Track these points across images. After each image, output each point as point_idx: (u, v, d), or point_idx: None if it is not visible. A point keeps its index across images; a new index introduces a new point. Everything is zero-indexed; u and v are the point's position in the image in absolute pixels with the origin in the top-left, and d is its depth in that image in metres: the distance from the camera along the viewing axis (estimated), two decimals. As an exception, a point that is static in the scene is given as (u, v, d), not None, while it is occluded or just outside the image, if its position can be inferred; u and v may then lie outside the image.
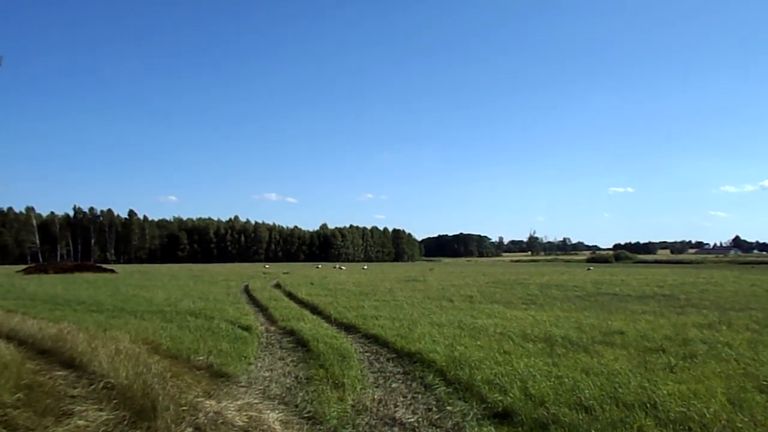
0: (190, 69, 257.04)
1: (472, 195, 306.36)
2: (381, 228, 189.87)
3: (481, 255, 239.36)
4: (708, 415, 5.82)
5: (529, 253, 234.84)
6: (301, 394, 7.25)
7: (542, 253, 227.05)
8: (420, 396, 7.27)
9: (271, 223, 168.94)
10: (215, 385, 7.53)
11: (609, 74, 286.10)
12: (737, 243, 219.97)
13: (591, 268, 64.35)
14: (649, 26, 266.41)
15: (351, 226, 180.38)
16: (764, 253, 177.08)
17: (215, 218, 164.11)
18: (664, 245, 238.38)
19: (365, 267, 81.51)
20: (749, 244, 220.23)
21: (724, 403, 6.26)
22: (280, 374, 8.60)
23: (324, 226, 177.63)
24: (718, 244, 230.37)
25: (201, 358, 9.04)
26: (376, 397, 7.19)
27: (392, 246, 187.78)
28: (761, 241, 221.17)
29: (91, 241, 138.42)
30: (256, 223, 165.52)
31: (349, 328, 13.28)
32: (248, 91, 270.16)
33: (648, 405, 6.23)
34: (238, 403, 6.53)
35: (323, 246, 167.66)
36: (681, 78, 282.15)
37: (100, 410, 5.81)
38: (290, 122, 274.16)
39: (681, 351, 9.61)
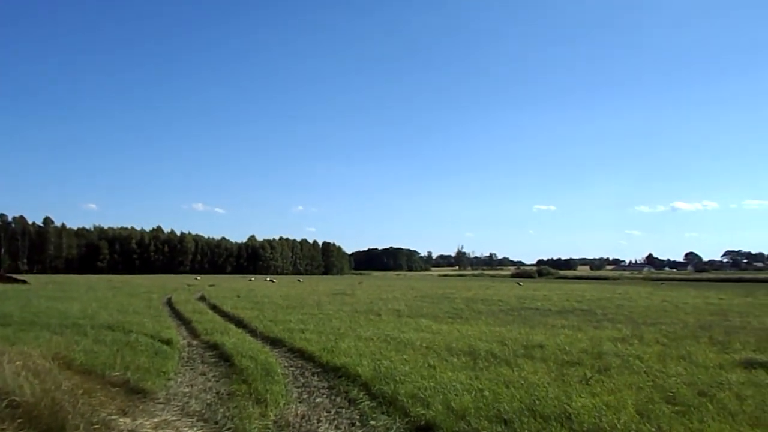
0: (114, 69, 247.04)
1: (402, 210, 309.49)
2: (311, 241, 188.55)
3: (410, 269, 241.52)
4: (619, 426, 6.06)
5: (457, 267, 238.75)
6: (221, 410, 7.06)
7: (469, 268, 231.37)
8: (344, 411, 7.22)
9: (197, 234, 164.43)
10: (131, 402, 7.22)
11: (535, 96, 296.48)
12: (650, 260, 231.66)
13: (521, 283, 66.01)
14: (570, 49, 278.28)
15: (281, 238, 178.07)
16: (674, 270, 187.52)
17: (138, 228, 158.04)
18: (584, 261, 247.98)
19: (300, 280, 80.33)
20: (661, 261, 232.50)
21: (634, 415, 6.54)
22: (200, 390, 8.35)
23: (252, 238, 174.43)
24: (634, 261, 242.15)
25: (117, 373, 8.63)
26: (299, 412, 7.09)
27: (322, 259, 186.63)
28: (672, 258, 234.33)
29: (0, 250, 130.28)
30: (182, 233, 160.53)
31: (274, 342, 13.08)
32: (175, 97, 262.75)
33: (563, 417, 6.42)
34: (155, 420, 6.30)
35: (251, 258, 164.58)
36: (601, 102, 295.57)
37: (2, 430, 5.45)
38: (220, 130, 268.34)
39: (596, 364, 9.99)
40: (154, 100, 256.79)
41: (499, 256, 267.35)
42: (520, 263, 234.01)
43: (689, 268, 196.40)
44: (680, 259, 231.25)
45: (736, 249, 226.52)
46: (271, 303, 25.01)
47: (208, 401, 7.62)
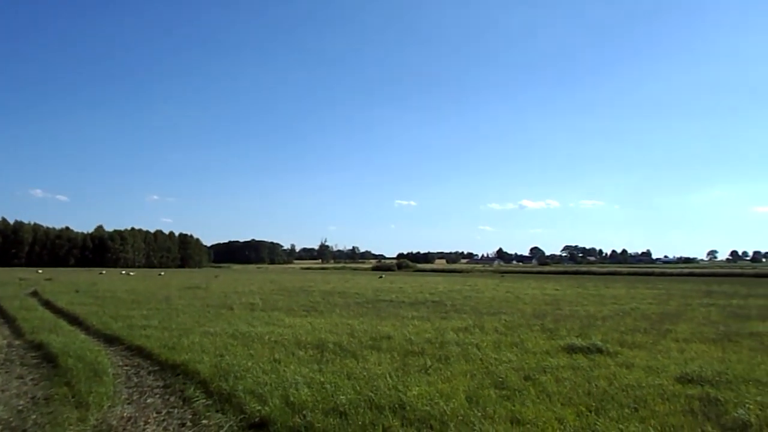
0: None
1: (266, 202, 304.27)
2: (167, 232, 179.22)
3: (272, 262, 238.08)
4: (448, 413, 6.32)
5: (320, 260, 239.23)
6: (34, 416, 6.44)
7: (332, 261, 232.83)
8: (176, 411, 6.89)
9: (36, 223, 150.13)
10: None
11: (399, 95, 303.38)
12: (500, 254, 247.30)
13: (383, 276, 67.38)
14: (429, 50, 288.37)
15: (132, 229, 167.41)
16: (521, 263, 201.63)
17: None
18: (441, 255, 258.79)
19: (162, 273, 75.69)
20: (510, 255, 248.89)
21: (464, 401, 6.86)
22: (12, 395, 7.56)
23: (100, 228, 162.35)
24: (485, 255, 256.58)
25: None
26: (125, 414, 6.65)
27: (178, 251, 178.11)
28: (519, 252, 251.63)
29: None
30: (17, 222, 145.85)
31: (111, 340, 12.25)
32: (15, 74, 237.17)
33: (398, 406, 6.59)
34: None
35: (98, 250, 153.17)
36: (459, 105, 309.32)
37: None
38: (63, 110, 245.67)
39: (437, 353, 10.39)
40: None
41: (362, 250, 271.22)
42: (382, 256, 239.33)
43: (533, 261, 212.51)
44: (526, 253, 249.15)
45: (574, 244, 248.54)
46: (114, 298, 23.44)
47: (20, 407, 6.91)
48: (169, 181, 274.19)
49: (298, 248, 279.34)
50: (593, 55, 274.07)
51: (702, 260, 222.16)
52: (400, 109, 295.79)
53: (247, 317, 16.62)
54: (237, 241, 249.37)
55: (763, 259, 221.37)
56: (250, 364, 9.03)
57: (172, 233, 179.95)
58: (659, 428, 5.85)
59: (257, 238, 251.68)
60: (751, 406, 6.52)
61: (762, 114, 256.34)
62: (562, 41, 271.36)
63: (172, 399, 7.45)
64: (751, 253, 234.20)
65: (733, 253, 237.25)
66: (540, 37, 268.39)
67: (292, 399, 6.88)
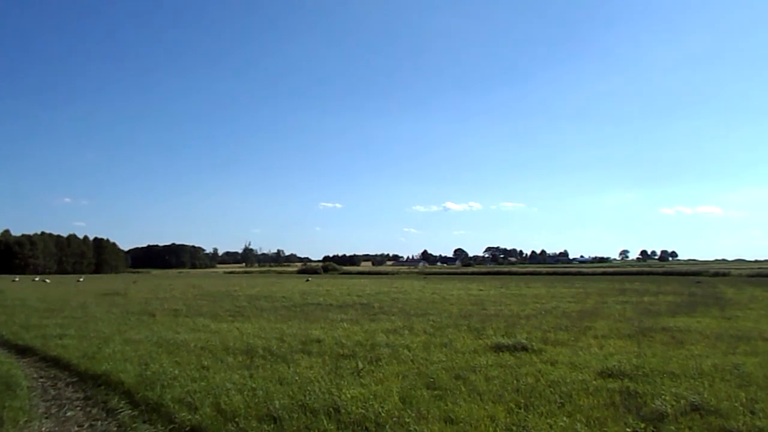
0: None
1: (186, 205, 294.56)
2: (81, 236, 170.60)
3: (194, 267, 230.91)
4: (383, 414, 6.36)
5: (244, 264, 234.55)
6: (-59, 436, 6.00)
7: (256, 264, 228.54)
8: (99, 423, 6.59)
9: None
10: None
11: (319, 98, 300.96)
12: (425, 256, 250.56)
13: (309, 279, 66.81)
14: (351, 56, 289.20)
15: (42, 233, 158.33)
16: (445, 265, 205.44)
17: None
18: (367, 257, 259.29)
19: (81, 279, 71.58)
20: (435, 257, 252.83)
21: (397, 402, 6.92)
22: None
23: (6, 233, 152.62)
24: (411, 257, 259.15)
25: None
26: (44, 430, 6.31)
27: (93, 256, 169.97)
28: (443, 254, 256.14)
29: None
30: None
31: (24, 351, 11.61)
32: None
33: (332, 410, 6.56)
34: None
35: (4, 256, 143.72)
36: (381, 108, 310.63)
37: None
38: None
39: (369, 355, 10.42)
40: None
41: (287, 253, 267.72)
42: (308, 259, 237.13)
43: (457, 262, 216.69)
44: (450, 254, 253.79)
45: (495, 245, 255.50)
46: (24, 306, 22.17)
47: (-75, 427, 6.42)
48: (82, 182, 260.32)
49: (221, 252, 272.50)
50: (513, 62, 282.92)
51: (615, 259, 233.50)
52: (324, 111, 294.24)
53: (170, 324, 16.10)
54: (156, 245, 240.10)
55: (670, 258, 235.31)
56: (177, 371, 8.76)
57: (86, 237, 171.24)
58: (585, 422, 6.10)
59: (178, 242, 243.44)
60: (667, 398, 6.92)
61: (668, 121, 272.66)
62: (482, 48, 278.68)
63: (94, 411, 7.11)
64: (659, 252, 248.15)
65: (643, 253, 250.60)
66: (460, 43, 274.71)
67: (223, 406, 6.73)
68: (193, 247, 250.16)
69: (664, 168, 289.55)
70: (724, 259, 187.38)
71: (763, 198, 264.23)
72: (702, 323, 15.57)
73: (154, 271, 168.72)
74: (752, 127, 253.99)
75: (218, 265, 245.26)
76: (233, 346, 11.47)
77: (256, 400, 6.99)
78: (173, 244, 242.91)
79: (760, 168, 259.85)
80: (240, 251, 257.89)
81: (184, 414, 6.49)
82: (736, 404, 6.68)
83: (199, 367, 9.34)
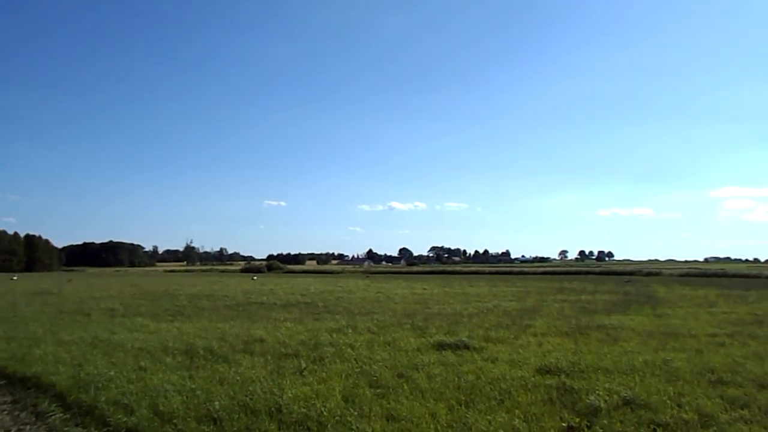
0: None
1: (125, 200, 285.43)
2: (11, 233, 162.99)
3: (132, 265, 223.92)
4: (325, 413, 6.35)
5: (185, 263, 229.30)
6: None
7: (198, 263, 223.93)
8: (28, 427, 6.34)
9: None
10: None
11: (265, 94, 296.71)
12: (370, 255, 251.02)
13: (255, 278, 65.78)
14: (296, 51, 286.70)
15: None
16: (390, 264, 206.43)
17: None
18: (312, 256, 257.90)
19: (15, 278, 67.72)
20: (380, 256, 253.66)
21: (340, 400, 6.94)
22: None
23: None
24: (356, 256, 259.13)
25: None
26: (-33, 435, 6.01)
27: (24, 254, 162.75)
28: (388, 253, 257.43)
29: None
30: None
31: (-55, 354, 10.95)
32: None
33: (274, 410, 6.52)
34: None
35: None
36: (326, 104, 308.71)
37: None
38: None
39: (312, 354, 10.39)
40: None
41: (230, 251, 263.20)
42: (251, 258, 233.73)
43: (402, 262, 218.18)
44: (395, 253, 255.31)
45: (440, 245, 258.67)
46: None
47: None
48: (11, 176, 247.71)
49: (161, 250, 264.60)
50: (460, 65, 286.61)
51: (554, 259, 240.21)
52: (269, 108, 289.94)
53: (106, 324, 15.61)
54: (93, 243, 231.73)
55: (606, 258, 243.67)
56: (112, 373, 8.51)
57: (16, 234, 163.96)
58: (523, 417, 6.26)
59: (115, 240, 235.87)
60: (601, 393, 7.18)
61: (606, 126, 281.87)
62: (430, 50, 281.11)
63: (23, 415, 6.83)
64: (596, 253, 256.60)
65: (581, 253, 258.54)
66: (409, 44, 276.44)
67: (161, 408, 6.58)
68: (132, 244, 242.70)
69: (602, 171, 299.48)
70: (656, 259, 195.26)
71: (693, 201, 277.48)
72: (635, 321, 16.18)
73: (91, 270, 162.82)
74: (684, 133, 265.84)
75: (158, 264, 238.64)
76: (172, 347, 11.22)
77: (196, 401, 6.87)
78: (111, 241, 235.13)
79: (690, 173, 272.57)
80: (181, 249, 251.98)
81: (119, 416, 6.31)
82: (664, 398, 6.99)
83: (136, 368, 9.11)
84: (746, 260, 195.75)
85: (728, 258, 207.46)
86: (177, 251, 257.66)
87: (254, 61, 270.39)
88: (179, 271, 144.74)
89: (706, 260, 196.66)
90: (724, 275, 64.13)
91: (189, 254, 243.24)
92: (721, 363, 9.45)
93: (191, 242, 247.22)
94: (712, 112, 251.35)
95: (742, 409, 6.65)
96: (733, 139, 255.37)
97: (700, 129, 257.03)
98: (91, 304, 22.50)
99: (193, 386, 7.68)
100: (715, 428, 5.93)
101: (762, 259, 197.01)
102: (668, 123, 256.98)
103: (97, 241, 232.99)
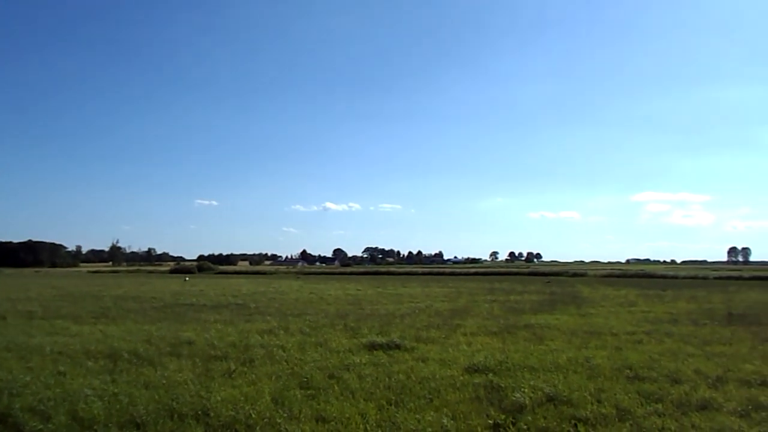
0: None
1: (45, 198, 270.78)
2: None
3: (54, 265, 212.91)
4: (254, 416, 6.28)
5: (111, 263, 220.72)
6: None
7: (125, 263, 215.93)
8: (-67, 438, 5.95)
9: None
10: None
11: (192, 89, 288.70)
12: (304, 256, 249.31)
13: (187, 278, 63.93)
14: (230, 50, 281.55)
15: None
16: (324, 264, 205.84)
17: None
18: (244, 257, 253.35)
19: None
20: (314, 257, 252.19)
21: (269, 402, 6.88)
22: None
23: None
24: (290, 257, 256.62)
25: None
26: None
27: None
28: (323, 254, 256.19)
29: None
30: None
31: None
32: None
33: (201, 413, 6.40)
34: None
35: None
36: (260, 103, 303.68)
37: None
38: None
39: (242, 356, 10.25)
40: None
41: (159, 251, 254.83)
42: (181, 258, 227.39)
43: (336, 262, 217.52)
44: (329, 254, 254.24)
45: (374, 246, 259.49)
46: None
47: None
48: None
49: (85, 250, 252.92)
50: (392, 67, 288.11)
51: (486, 260, 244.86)
52: (202, 105, 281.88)
53: (24, 327, 14.89)
54: (10, 242, 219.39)
55: (535, 259, 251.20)
56: (28, 378, 8.13)
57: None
58: (451, 416, 6.40)
59: (35, 239, 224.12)
60: (526, 390, 7.42)
61: (536, 132, 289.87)
62: (362, 51, 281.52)
63: (-74, 425, 6.40)
64: (525, 254, 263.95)
65: (511, 254, 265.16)
66: (347, 45, 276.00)
67: (80, 413, 6.34)
68: (53, 244, 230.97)
69: (532, 175, 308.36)
70: (582, 261, 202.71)
71: (616, 205, 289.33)
72: (560, 320, 16.80)
73: (7, 270, 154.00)
74: (608, 140, 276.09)
75: (82, 264, 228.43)
76: (95, 350, 10.83)
77: (118, 406, 6.65)
78: (29, 240, 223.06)
79: (614, 178, 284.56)
80: (107, 249, 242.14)
81: (34, 424, 6.02)
82: (585, 394, 7.31)
83: (55, 372, 8.74)
84: (664, 261, 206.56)
85: (648, 259, 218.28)
86: (102, 251, 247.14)
87: (185, 55, 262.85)
88: (105, 271, 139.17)
89: (628, 261, 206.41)
90: (644, 276, 67.36)
91: (115, 254, 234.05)
92: (638, 360, 9.95)
93: (117, 242, 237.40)
94: (634, 120, 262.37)
95: (657, 403, 7.03)
96: (653, 146, 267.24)
97: (622, 136, 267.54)
98: (7, 306, 21.33)
99: (116, 390, 7.42)
100: (631, 422, 6.24)
101: (678, 261, 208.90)
102: (594, 130, 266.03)
103: (15, 240, 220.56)
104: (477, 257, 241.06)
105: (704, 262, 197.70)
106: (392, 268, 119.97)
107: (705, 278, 58.45)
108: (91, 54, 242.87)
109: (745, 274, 63.22)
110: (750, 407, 6.77)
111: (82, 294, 30.62)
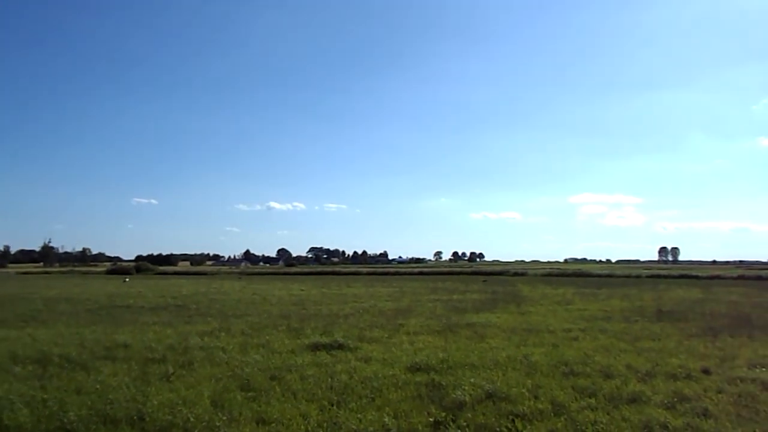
0: None
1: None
2: None
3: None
4: (192, 420, 6.14)
5: (42, 264, 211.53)
6: None
7: (57, 264, 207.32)
8: None
9: None
10: None
11: (130, 84, 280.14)
12: (248, 256, 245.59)
13: (127, 279, 61.86)
14: (170, 48, 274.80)
15: None
16: (268, 265, 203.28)
17: None
18: (185, 257, 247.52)
19: None
20: (257, 257, 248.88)
21: (209, 405, 6.73)
22: None
23: None
24: (232, 257, 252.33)
25: None
26: None
27: None
28: (267, 254, 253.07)
29: None
30: None
31: None
32: None
33: (136, 418, 6.20)
34: None
35: None
36: (203, 100, 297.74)
37: None
38: None
39: (180, 359, 10.00)
40: None
41: (94, 251, 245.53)
42: (118, 259, 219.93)
43: (280, 262, 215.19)
44: (273, 254, 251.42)
45: (319, 245, 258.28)
46: None
47: None
48: None
49: (13, 250, 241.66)
50: (338, 67, 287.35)
51: (430, 260, 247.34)
52: (141, 100, 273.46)
53: (-56, 332, 14.04)
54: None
55: (478, 259, 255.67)
56: (-53, 387, 7.67)
57: None
58: (392, 414, 6.42)
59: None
60: (466, 387, 7.54)
61: (478, 133, 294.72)
62: (308, 49, 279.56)
63: None
64: (468, 254, 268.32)
65: (455, 254, 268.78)
66: (289, 42, 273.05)
67: (5, 421, 6.06)
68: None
69: (475, 176, 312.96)
70: (523, 260, 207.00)
71: (555, 206, 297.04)
72: (501, 318, 17.14)
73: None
74: (548, 143, 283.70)
75: (10, 265, 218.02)
76: (23, 355, 10.35)
77: (47, 413, 6.37)
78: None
79: (552, 180, 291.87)
80: (38, 249, 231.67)
81: (-46, 434, 5.70)
82: (523, 390, 7.48)
83: (-23, 379, 8.28)
84: (600, 261, 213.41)
85: (585, 259, 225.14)
86: (33, 251, 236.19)
87: (124, 51, 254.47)
88: (35, 273, 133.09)
89: (566, 261, 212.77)
90: (581, 275, 69.69)
91: (47, 255, 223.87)
92: (573, 356, 10.26)
93: (49, 242, 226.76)
94: (572, 124, 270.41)
95: (590, 397, 7.27)
96: (589, 150, 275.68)
97: (561, 140, 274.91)
98: (-74, 311, 20.13)
99: (45, 396, 7.11)
100: (565, 416, 6.42)
101: (613, 260, 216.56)
102: (534, 133, 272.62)
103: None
104: (421, 257, 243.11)
105: (637, 261, 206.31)
106: (337, 268, 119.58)
107: (638, 277, 60.82)
108: (24, 48, 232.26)
109: (674, 273, 66.71)
110: (676, 399, 7.13)
111: (9, 296, 29.25)
